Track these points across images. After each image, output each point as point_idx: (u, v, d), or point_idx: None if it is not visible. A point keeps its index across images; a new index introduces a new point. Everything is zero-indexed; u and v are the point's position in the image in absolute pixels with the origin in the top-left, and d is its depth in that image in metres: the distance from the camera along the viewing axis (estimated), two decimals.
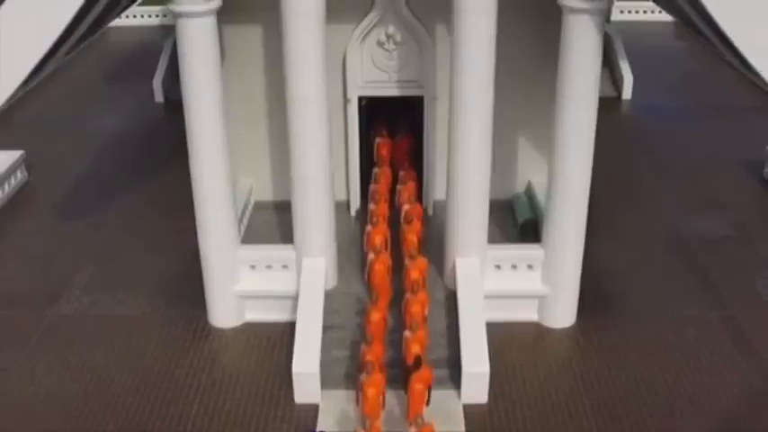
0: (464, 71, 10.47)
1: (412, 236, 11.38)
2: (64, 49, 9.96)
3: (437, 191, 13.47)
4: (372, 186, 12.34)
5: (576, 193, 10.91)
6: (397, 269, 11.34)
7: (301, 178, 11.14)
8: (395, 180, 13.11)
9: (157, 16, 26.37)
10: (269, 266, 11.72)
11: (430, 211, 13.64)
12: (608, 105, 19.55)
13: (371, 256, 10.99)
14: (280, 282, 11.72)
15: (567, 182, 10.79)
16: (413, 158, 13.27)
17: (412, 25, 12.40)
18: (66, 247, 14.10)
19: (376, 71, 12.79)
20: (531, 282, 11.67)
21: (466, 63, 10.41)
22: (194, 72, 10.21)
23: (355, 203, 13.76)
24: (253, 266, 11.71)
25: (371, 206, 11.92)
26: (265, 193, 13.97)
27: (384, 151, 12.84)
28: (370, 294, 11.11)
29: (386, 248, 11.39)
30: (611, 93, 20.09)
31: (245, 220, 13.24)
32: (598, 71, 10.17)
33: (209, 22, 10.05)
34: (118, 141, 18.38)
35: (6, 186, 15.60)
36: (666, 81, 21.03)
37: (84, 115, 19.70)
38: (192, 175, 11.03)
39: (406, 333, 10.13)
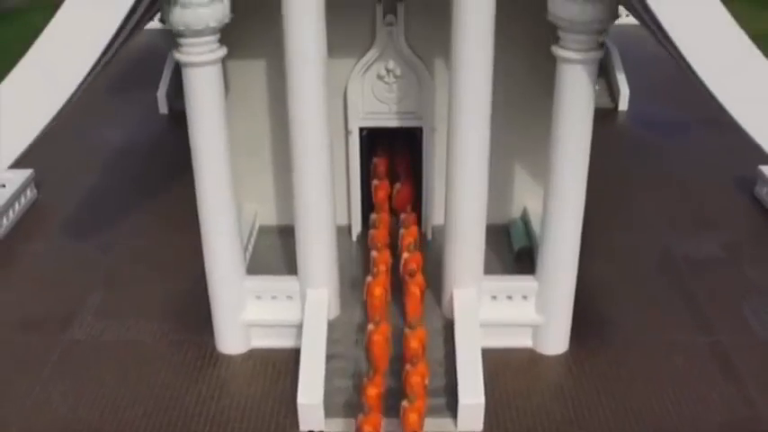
0: (462, 104, 10.81)
1: (413, 296, 11.63)
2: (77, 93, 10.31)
3: (435, 216, 13.94)
4: (372, 232, 12.67)
5: (568, 230, 11.34)
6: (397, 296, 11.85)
7: (304, 210, 11.56)
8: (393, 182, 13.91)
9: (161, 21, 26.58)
10: (274, 297, 12.20)
11: (429, 236, 14.12)
12: (604, 116, 19.97)
13: (371, 326, 11.13)
14: (284, 311, 12.21)
15: (560, 221, 11.23)
16: (414, 201, 13.67)
17: (411, 60, 12.77)
18: (76, 269, 14.55)
19: (376, 103, 13.18)
20: (526, 312, 12.15)
21: (463, 96, 10.75)
22: (200, 116, 10.59)
23: (356, 228, 14.22)
24: (258, 297, 12.20)
25: (373, 253, 12.29)
26: (269, 218, 14.42)
27: (382, 194, 13.19)
28: (368, 364, 11.13)
29: (388, 304, 11.75)
30: (607, 104, 20.45)
31: (249, 247, 13.69)
32: (590, 116, 10.55)
33: (215, 70, 10.42)
34: (123, 155, 18.78)
35: (17, 205, 16.05)
36: (664, 91, 21.28)
37: (88, 127, 20.04)
38: (198, 211, 11.46)
39: (404, 403, 10.42)
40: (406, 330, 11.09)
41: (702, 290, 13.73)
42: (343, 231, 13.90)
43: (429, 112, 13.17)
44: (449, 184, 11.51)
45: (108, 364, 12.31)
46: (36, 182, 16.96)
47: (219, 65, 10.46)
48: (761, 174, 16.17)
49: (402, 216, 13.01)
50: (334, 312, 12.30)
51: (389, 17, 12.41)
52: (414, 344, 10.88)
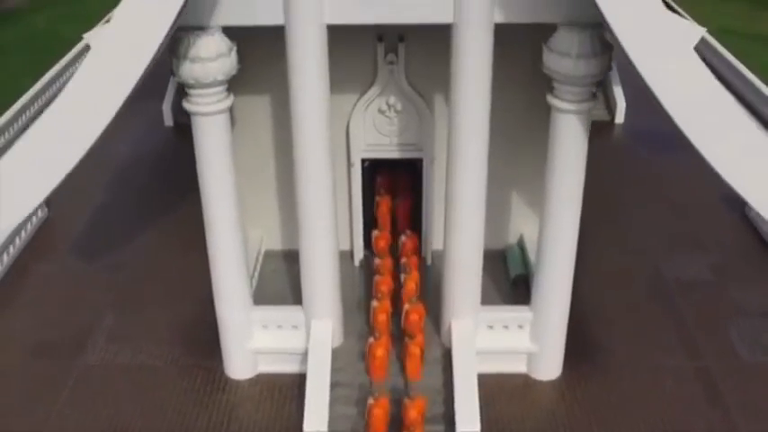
0: (461, 139, 11.23)
1: (413, 357, 12.06)
2: None
3: (435, 241, 14.45)
4: (377, 278, 13.10)
5: (561, 268, 11.85)
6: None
7: (309, 243, 12.04)
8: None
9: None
10: (280, 326, 12.74)
11: (429, 261, 14.63)
12: (601, 130, 20.37)
13: (371, 401, 11.45)
14: (290, 339, 12.77)
15: (554, 261, 11.74)
16: (414, 221, 14.14)
17: (411, 96, 13.21)
18: (87, 289, 15.08)
19: (378, 135, 13.62)
20: (521, 340, 12.70)
21: (462, 132, 11.17)
22: (209, 162, 11.07)
23: (359, 254, 14.75)
24: (265, 326, 12.74)
25: (374, 303, 12.72)
26: (274, 243, 14.93)
27: (383, 243, 13.62)
28: None
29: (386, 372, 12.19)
30: (604, 117, 20.86)
31: (256, 274, 14.20)
32: (583, 161, 11.01)
33: (222, 118, 10.85)
34: (130, 169, 19.22)
35: (29, 225, 16.54)
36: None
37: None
38: (208, 249, 11.96)
39: None
40: (406, 400, 11.40)
41: (691, 313, 14.27)
42: (345, 256, 14.42)
43: (429, 144, 13.62)
44: (447, 215, 11.99)
45: (122, 389, 12.87)
46: (46, 200, 17.40)
47: (227, 114, 10.89)
48: None
49: (403, 260, 13.41)
50: (338, 340, 12.85)
51: (390, 56, 12.82)
52: (413, 413, 11.25)
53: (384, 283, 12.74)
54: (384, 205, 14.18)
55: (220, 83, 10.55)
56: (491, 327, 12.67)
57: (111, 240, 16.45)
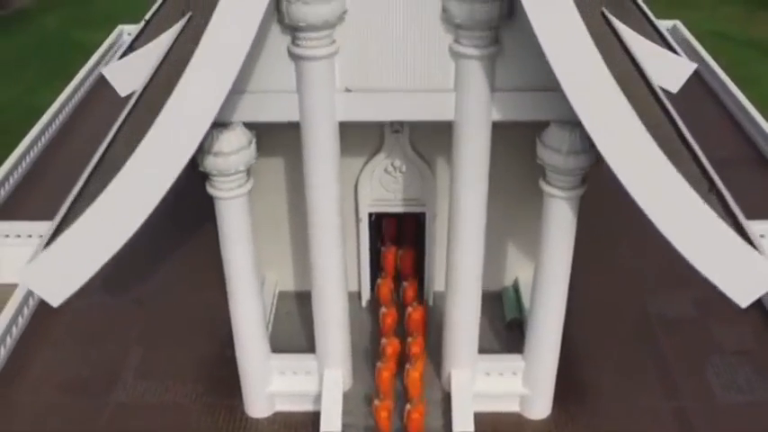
0: (461, 199, 12.16)
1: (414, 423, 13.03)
2: None
3: (436, 283, 15.58)
4: (380, 366, 13.80)
5: (551, 325, 12.98)
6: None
7: (321, 302, 13.16)
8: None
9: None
10: (295, 372, 13.97)
11: (431, 302, 15.79)
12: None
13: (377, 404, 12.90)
14: (304, 384, 13.99)
15: (545, 322, 12.88)
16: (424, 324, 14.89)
17: (415, 160, 14.19)
18: (114, 326, 16.25)
19: (383, 192, 14.64)
20: (515, 385, 13.91)
21: (463, 192, 12.08)
22: (231, 241, 12.13)
23: (366, 295, 15.91)
24: (282, 372, 13.96)
25: (379, 364, 13.71)
26: (288, 284, 16.08)
27: (389, 320, 14.58)
28: None
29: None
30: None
31: (271, 317, 15.37)
32: (572, 242, 12.06)
33: (243, 201, 11.87)
34: None
35: None
36: None
37: None
38: (230, 307, 13.07)
39: None
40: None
41: (672, 351, 15.44)
42: (353, 297, 15.57)
43: (431, 201, 14.64)
44: (448, 277, 13.07)
45: (152, 427, 14.15)
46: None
47: (246, 197, 11.89)
48: None
49: (409, 336, 14.22)
50: (348, 384, 14.08)
51: (396, 125, 13.76)
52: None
53: (390, 345, 13.86)
54: (390, 256, 15.32)
55: (241, 172, 11.55)
56: (488, 373, 13.88)
57: (133, 275, 17.56)
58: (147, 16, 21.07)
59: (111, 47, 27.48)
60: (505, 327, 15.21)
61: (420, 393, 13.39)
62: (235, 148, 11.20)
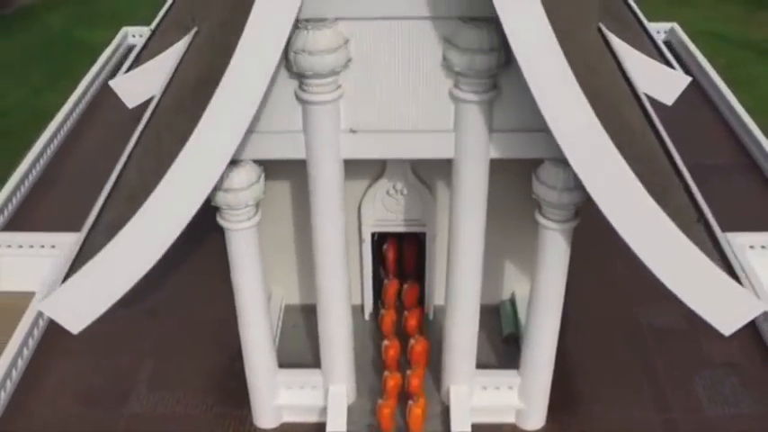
0: (461, 228, 12.70)
1: None
2: None
3: (436, 298, 16.21)
4: (380, 403, 14.36)
5: (545, 345, 13.61)
6: None
7: (327, 325, 13.78)
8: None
9: None
10: (302, 387, 14.63)
11: (431, 316, 16.42)
12: None
13: None
14: (310, 397, 14.67)
15: (539, 343, 13.51)
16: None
17: (416, 184, 14.74)
18: (128, 337, 16.89)
19: (385, 212, 15.20)
20: (510, 399, 14.56)
21: (462, 222, 12.61)
22: (241, 270, 12.73)
23: (368, 308, 16.55)
24: (289, 387, 14.63)
25: (380, 401, 14.21)
26: (293, 298, 16.71)
27: (392, 352, 14.99)
28: None
29: None
30: None
31: (278, 332, 16.01)
32: (565, 271, 12.65)
33: (252, 232, 12.44)
34: None
35: None
36: None
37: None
38: (239, 328, 13.69)
39: None
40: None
41: (663, 363, 16.08)
42: (356, 310, 16.20)
43: (431, 221, 15.21)
44: (447, 296, 13.67)
45: None
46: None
47: (256, 229, 12.46)
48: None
49: (410, 370, 14.65)
50: (351, 398, 14.77)
51: None
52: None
53: (392, 378, 14.41)
54: (392, 288, 16.01)
55: (250, 206, 12.11)
56: (485, 388, 14.54)
57: (147, 287, 18.11)
58: (153, 25, 21.50)
59: (115, 50, 27.82)
60: (503, 341, 15.86)
61: (421, 429, 14.04)
62: (245, 185, 11.74)
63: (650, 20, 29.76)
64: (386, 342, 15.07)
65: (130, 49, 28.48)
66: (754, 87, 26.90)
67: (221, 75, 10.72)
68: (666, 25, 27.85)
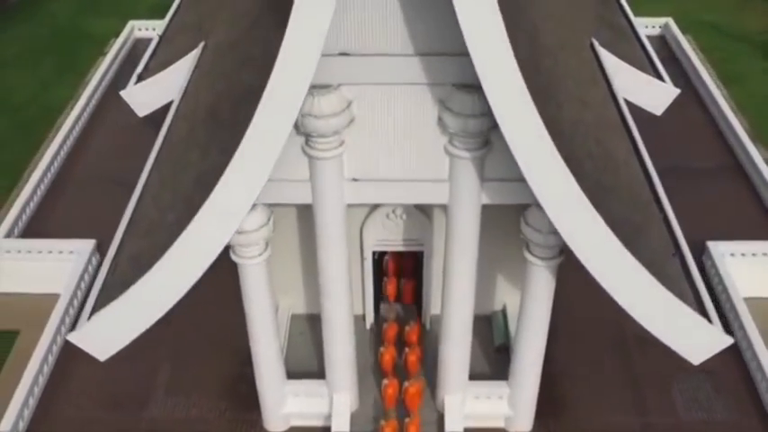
0: (455, 265, 13.73)
1: None
2: None
3: (432, 308, 17.35)
4: (384, 385, 15.75)
5: (533, 358, 14.74)
6: None
7: (332, 344, 14.92)
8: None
9: None
10: (308, 395, 15.86)
11: (428, 326, 17.58)
12: None
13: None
14: (316, 404, 15.91)
15: (526, 359, 14.67)
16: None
17: (413, 210, 15.76)
18: (145, 343, 17.89)
19: (386, 233, 16.22)
20: (500, 407, 15.79)
21: (456, 260, 13.66)
22: (252, 298, 13.81)
23: (370, 319, 17.70)
24: (296, 395, 15.87)
25: (382, 422, 15.43)
26: (299, 307, 17.85)
27: (391, 391, 15.87)
28: None
29: None
30: None
31: (286, 343, 17.18)
32: (550, 300, 13.72)
33: (262, 267, 13.46)
34: None
35: (86, 276, 19.36)
36: None
37: (130, 169, 22.81)
38: (251, 346, 14.84)
39: None
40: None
41: (644, 369, 17.26)
42: (358, 320, 17.37)
43: (428, 242, 16.24)
44: (443, 320, 14.78)
45: None
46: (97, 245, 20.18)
47: (267, 262, 13.48)
48: (707, 250, 19.31)
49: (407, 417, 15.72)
50: (354, 406, 16.02)
51: None
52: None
53: (389, 426, 15.40)
54: (392, 285, 17.13)
55: (261, 244, 13.12)
56: (476, 397, 15.78)
57: None
58: (160, 31, 22.16)
59: (122, 45, 28.36)
60: (494, 350, 17.05)
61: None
62: (256, 227, 12.73)
63: (646, 9, 30.34)
64: (385, 381, 15.95)
65: (137, 42, 29.14)
66: (745, 83, 27.55)
67: (232, 111, 11.59)
68: (661, 20, 28.37)
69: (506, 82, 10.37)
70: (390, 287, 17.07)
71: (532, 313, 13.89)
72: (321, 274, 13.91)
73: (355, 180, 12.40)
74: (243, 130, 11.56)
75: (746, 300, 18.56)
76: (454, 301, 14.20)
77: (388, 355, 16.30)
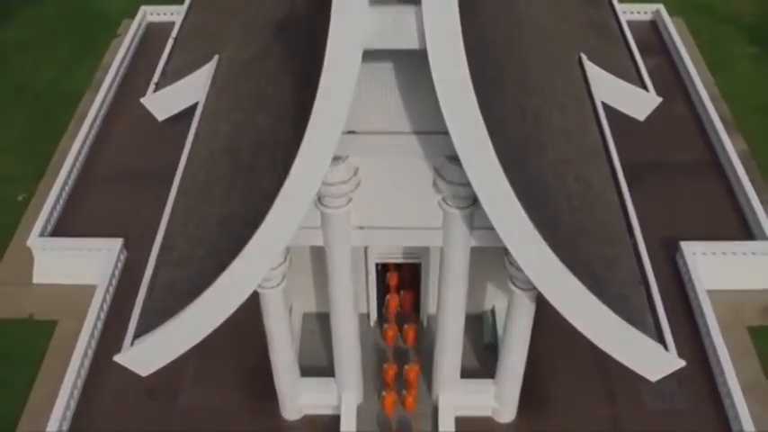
0: (448, 292, 15.58)
1: None
2: None
3: (429, 308, 19.43)
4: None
5: (516, 362, 16.87)
6: None
7: (341, 351, 17.04)
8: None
9: None
10: (319, 391, 18.12)
11: (425, 324, 19.68)
12: None
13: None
14: (327, 398, 18.19)
15: (511, 358, 16.78)
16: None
17: None
18: None
19: (387, 247, 18.11)
20: (487, 400, 18.07)
21: (448, 290, 15.51)
22: (271, 316, 15.82)
23: (373, 317, 19.80)
24: (309, 390, 18.12)
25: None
26: (310, 306, 19.92)
27: (390, 402, 18.00)
28: None
29: None
30: None
31: (297, 342, 19.30)
32: (530, 323, 15.73)
33: (280, 293, 15.41)
34: None
35: (116, 273, 21.34)
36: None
37: (153, 160, 24.52)
38: (269, 352, 16.96)
39: None
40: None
41: (616, 363, 18.97)
42: (362, 317, 19.47)
43: (425, 255, 18.16)
44: (437, 332, 16.83)
45: (210, 428, 18.44)
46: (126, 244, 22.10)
47: (283, 289, 15.41)
48: (681, 250, 21.22)
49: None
50: (360, 399, 18.29)
51: None
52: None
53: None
54: (393, 301, 19.16)
55: (278, 278, 15.06)
56: (467, 393, 18.03)
57: None
58: (174, 33, 23.46)
59: (136, 31, 29.49)
60: (483, 348, 19.22)
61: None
62: (276, 266, 14.64)
63: None
64: (383, 393, 18.08)
65: (150, 26, 30.32)
66: (731, 68, 28.68)
67: (252, 156, 13.31)
68: (653, 6, 29.34)
69: (481, 160, 11.85)
70: (392, 302, 19.08)
71: (516, 333, 15.95)
72: (332, 303, 15.86)
73: (361, 228, 14.24)
74: (262, 177, 13.30)
75: (713, 292, 20.63)
76: (447, 318, 16.21)
77: (391, 371, 18.42)
